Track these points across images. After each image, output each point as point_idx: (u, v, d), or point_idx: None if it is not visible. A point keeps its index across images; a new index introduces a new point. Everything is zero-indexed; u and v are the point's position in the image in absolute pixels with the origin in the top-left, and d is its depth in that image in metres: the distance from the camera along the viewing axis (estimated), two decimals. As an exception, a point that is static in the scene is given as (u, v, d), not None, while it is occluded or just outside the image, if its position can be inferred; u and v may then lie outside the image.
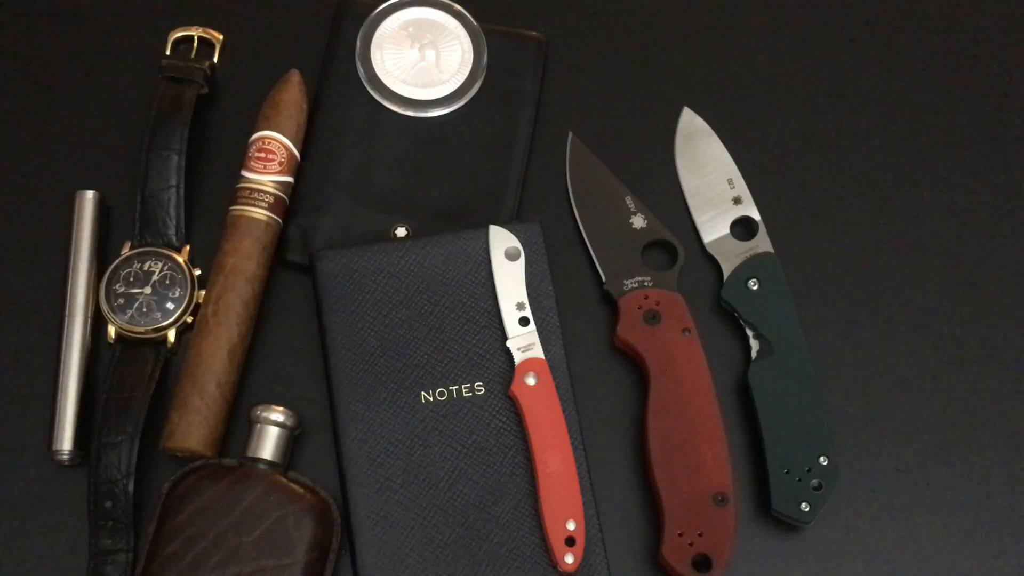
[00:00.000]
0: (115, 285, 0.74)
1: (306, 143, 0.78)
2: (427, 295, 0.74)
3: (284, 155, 0.75)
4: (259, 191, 0.74)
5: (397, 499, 0.70)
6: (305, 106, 0.77)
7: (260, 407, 0.71)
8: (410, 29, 0.81)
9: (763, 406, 0.73)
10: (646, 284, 0.76)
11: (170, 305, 0.74)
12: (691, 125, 0.82)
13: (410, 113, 0.79)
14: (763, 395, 0.73)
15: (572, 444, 0.70)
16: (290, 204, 0.77)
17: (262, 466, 0.70)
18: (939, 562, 0.74)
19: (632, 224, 0.78)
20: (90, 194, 0.76)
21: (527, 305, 0.73)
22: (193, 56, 0.80)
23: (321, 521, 0.69)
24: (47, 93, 0.81)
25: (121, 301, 0.74)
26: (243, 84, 0.81)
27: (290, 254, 0.77)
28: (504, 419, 0.72)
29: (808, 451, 0.72)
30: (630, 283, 0.76)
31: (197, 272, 0.75)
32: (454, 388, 0.72)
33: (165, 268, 0.74)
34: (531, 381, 0.71)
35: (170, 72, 0.78)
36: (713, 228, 0.79)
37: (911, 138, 0.83)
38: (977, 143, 0.83)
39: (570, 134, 0.81)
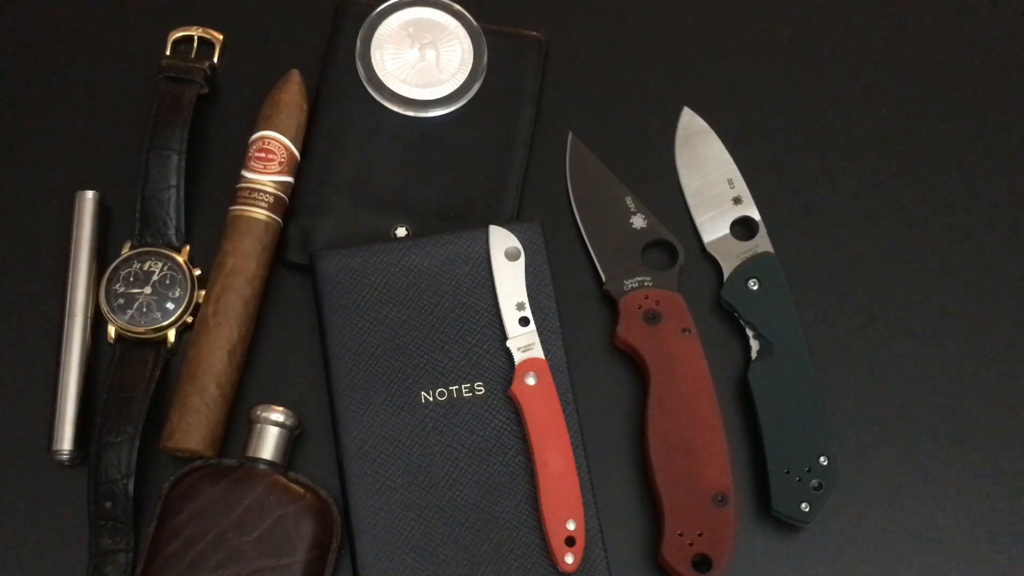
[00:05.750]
0: (115, 285, 0.74)
1: (306, 143, 0.78)
2: (427, 295, 0.74)
3: (284, 155, 0.75)
4: (259, 191, 0.74)
5: (397, 499, 0.70)
6: (305, 106, 0.77)
7: (260, 407, 0.71)
8: (410, 29, 0.81)
9: (763, 406, 0.73)
10: (646, 284, 0.76)
11: (170, 305, 0.74)
12: (691, 125, 0.82)
13: (410, 113, 0.79)
14: (763, 395, 0.73)
15: (572, 444, 0.70)
16: (290, 204, 0.77)
17: (262, 466, 0.70)
18: (939, 562, 0.74)
19: (632, 224, 0.78)
20: (90, 194, 0.76)
21: (527, 305, 0.73)
22: (193, 56, 0.80)
23: (321, 521, 0.69)
24: (47, 93, 0.81)
25: (121, 301, 0.74)
26: (243, 84, 0.81)
27: (290, 254, 0.77)
28: (504, 419, 0.72)
29: (808, 451, 0.72)
30: (630, 283, 0.76)
31: (197, 272, 0.75)
32: (454, 388, 0.72)
33: (165, 268, 0.74)
34: (531, 381, 0.71)
35: (170, 72, 0.78)
36: (713, 228, 0.79)
37: (912, 138, 0.83)
38: (979, 142, 0.83)
39: (570, 134, 0.81)
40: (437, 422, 0.71)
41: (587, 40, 0.84)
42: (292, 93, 0.76)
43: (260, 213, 0.74)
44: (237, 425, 0.73)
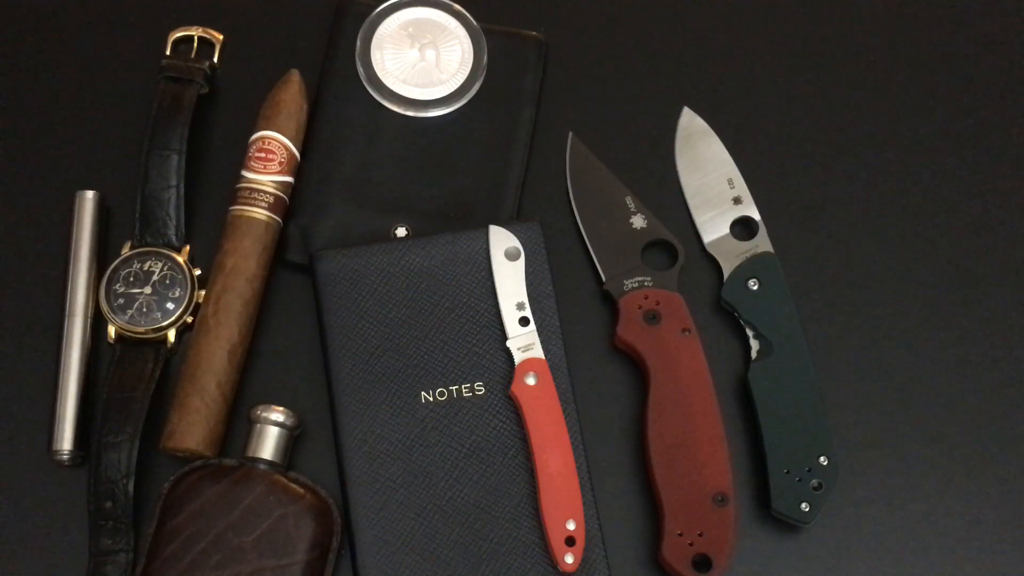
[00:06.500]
0: (115, 285, 0.74)
1: (306, 143, 0.78)
2: (427, 295, 0.74)
3: (284, 155, 0.75)
4: (259, 191, 0.74)
5: (397, 499, 0.70)
6: (305, 106, 0.77)
7: (260, 407, 0.71)
8: (410, 29, 0.81)
9: (763, 406, 0.73)
10: (646, 284, 0.76)
11: (170, 305, 0.74)
12: (691, 125, 0.82)
13: (410, 113, 0.79)
14: (763, 395, 0.73)
15: (572, 444, 0.70)
16: (290, 204, 0.77)
17: (262, 466, 0.70)
18: (939, 562, 0.74)
19: (632, 224, 0.78)
20: (90, 194, 0.76)
21: (527, 305, 0.73)
22: (193, 56, 0.80)
23: (321, 521, 0.69)
24: (47, 93, 0.81)
25: (121, 301, 0.74)
26: (243, 84, 0.81)
27: (290, 254, 0.77)
28: (504, 419, 0.72)
29: (808, 451, 0.72)
30: (630, 283, 0.76)
31: (197, 272, 0.75)
32: (454, 388, 0.72)
33: (165, 268, 0.74)
34: (531, 381, 0.71)
35: (170, 72, 0.78)
36: (713, 228, 0.79)
37: (912, 137, 0.83)
38: (980, 143, 0.83)
39: (570, 134, 0.81)
40: (437, 422, 0.71)
41: (587, 40, 0.84)
42: (292, 93, 0.76)
43: (260, 213, 0.74)
44: (237, 425, 0.73)
